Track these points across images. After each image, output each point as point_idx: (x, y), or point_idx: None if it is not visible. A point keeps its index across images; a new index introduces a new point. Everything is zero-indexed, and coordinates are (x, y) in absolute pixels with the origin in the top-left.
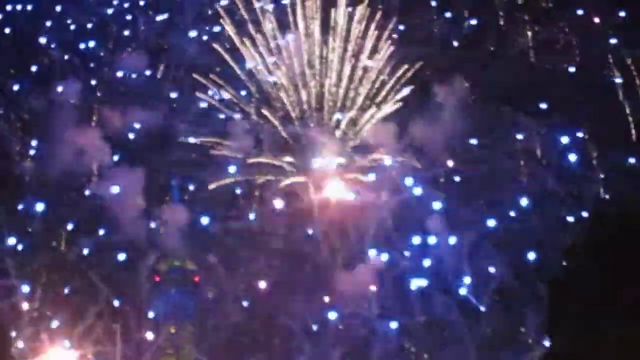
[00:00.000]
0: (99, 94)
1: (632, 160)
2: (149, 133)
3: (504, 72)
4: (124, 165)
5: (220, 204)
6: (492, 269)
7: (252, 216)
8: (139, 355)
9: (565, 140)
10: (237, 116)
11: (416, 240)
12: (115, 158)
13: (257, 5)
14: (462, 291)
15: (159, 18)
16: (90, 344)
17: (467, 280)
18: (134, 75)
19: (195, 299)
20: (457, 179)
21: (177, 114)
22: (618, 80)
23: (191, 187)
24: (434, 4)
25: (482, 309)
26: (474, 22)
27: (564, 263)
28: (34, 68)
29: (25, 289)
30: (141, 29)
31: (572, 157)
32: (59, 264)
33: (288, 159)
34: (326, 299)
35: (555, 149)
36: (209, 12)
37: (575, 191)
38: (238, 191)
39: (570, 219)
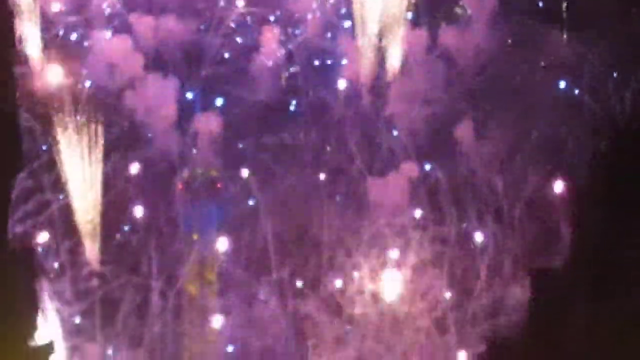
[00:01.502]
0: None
1: None
2: (182, 47)
3: None
4: (156, 77)
5: (254, 120)
6: (525, 179)
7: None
8: (171, 267)
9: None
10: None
11: (449, 150)
12: (147, 70)
13: None
14: (495, 201)
15: None
16: (127, 257)
17: (500, 190)
18: None
19: (220, 206)
20: (488, 88)
21: (210, 28)
22: None
23: (223, 102)
24: None
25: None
26: None
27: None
28: None
29: None
30: None
31: (601, 73)
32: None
33: None
34: (360, 210)
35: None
36: None
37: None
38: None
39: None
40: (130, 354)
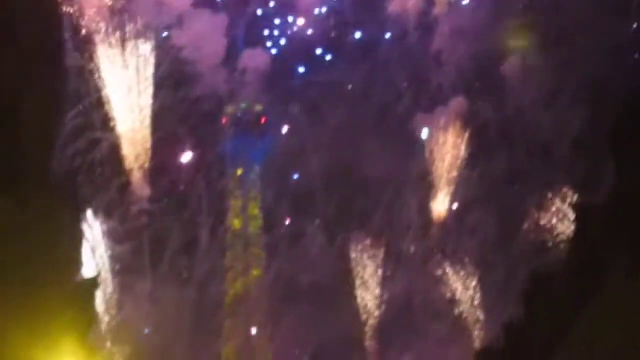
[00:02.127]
0: None
1: None
2: None
3: None
4: (204, 13)
5: (302, 57)
6: (570, 119)
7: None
8: (218, 204)
9: None
10: None
11: (498, 87)
12: (196, 7)
13: None
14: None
15: None
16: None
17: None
18: None
19: (264, 141)
20: (536, 27)
21: None
22: None
23: (271, 39)
24: None
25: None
26: None
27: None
28: None
29: None
30: None
31: None
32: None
33: None
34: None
35: None
36: None
37: None
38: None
39: None
40: (178, 290)
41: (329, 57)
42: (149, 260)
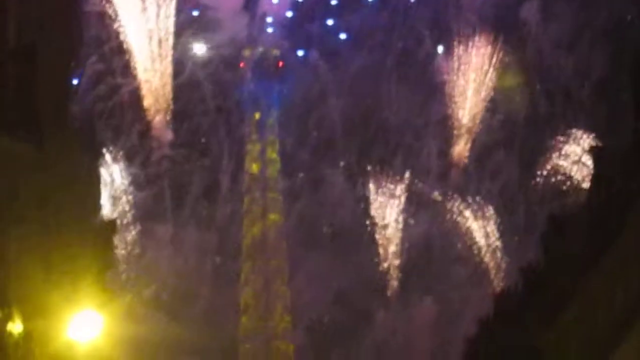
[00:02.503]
0: None
1: None
2: None
3: None
4: None
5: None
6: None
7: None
8: (238, 148)
9: None
10: None
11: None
12: None
13: None
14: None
15: None
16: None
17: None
18: None
19: (282, 85)
20: None
21: None
22: None
23: None
24: None
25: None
26: None
27: None
28: None
29: None
30: None
31: None
32: None
33: None
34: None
35: None
36: None
37: None
38: None
39: None
40: (199, 235)
41: (350, 2)
42: (170, 205)
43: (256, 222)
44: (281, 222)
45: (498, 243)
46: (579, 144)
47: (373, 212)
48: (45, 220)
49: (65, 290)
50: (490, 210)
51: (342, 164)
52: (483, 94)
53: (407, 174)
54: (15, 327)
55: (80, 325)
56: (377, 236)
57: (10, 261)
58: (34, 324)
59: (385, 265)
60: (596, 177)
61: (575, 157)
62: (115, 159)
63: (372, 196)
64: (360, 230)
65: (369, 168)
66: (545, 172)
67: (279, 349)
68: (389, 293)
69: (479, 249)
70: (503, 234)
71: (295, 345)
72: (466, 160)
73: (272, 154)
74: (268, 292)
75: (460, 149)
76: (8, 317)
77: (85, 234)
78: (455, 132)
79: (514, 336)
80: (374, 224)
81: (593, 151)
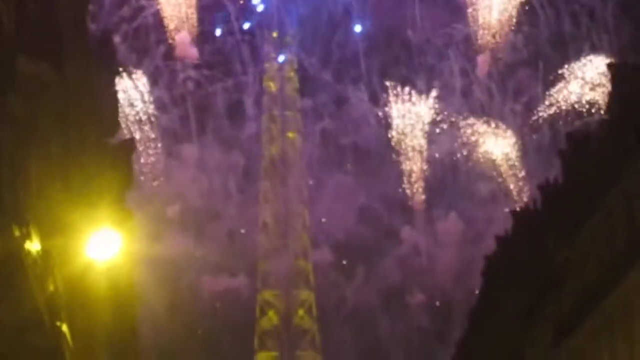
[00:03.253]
0: None
1: None
2: None
3: None
4: None
5: None
6: None
7: None
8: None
9: None
10: None
11: None
12: None
13: None
14: None
15: None
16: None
17: None
18: None
19: (300, 5)
20: None
21: None
22: None
23: None
24: None
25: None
26: None
27: None
28: None
29: None
30: None
31: None
32: None
33: None
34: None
35: None
36: None
37: None
38: None
39: None
40: (223, 155)
41: None
42: (195, 126)
43: (275, 141)
44: (300, 141)
45: (519, 162)
46: (600, 64)
47: (396, 130)
48: (65, 141)
49: (84, 210)
50: (512, 129)
51: (365, 83)
52: (507, 13)
53: (431, 93)
54: (34, 245)
55: (99, 243)
56: (401, 154)
57: (30, 181)
58: (53, 243)
59: (410, 182)
60: (614, 94)
61: (596, 76)
62: (139, 81)
63: (396, 114)
64: (383, 149)
65: (392, 87)
66: (567, 91)
67: (299, 267)
68: (413, 210)
69: (501, 167)
70: (525, 152)
71: (316, 263)
72: (490, 78)
73: (290, 73)
74: (287, 211)
75: (484, 68)
76: (26, 236)
77: (104, 154)
78: (478, 51)
79: (533, 253)
80: (397, 142)
81: (611, 68)
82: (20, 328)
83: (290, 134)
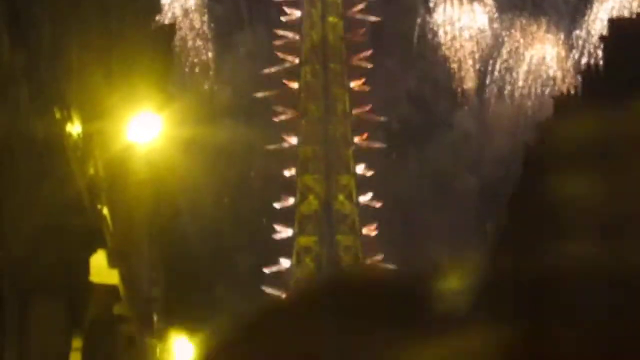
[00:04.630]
0: None
1: None
2: None
3: None
4: None
5: None
6: None
7: None
8: None
9: None
10: None
11: None
12: None
13: None
14: None
15: None
16: None
17: None
18: None
19: None
20: None
21: None
22: None
23: None
24: None
25: None
26: None
27: None
28: None
29: None
30: None
31: None
32: None
33: None
34: None
35: None
36: None
37: None
38: None
39: None
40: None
41: None
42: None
43: (315, 26)
44: (340, 25)
45: (560, 44)
46: None
47: (445, 15)
48: (106, 25)
49: (124, 93)
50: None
51: None
52: None
53: None
54: (75, 128)
55: (139, 127)
56: (450, 39)
57: (71, 65)
58: (93, 126)
59: (460, 66)
60: None
61: None
62: None
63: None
64: (431, 34)
65: None
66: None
67: (339, 152)
68: (464, 94)
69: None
70: (566, 38)
71: (357, 149)
72: None
73: None
74: (327, 95)
75: None
76: (67, 119)
77: (145, 37)
78: None
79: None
80: (447, 27)
81: None
82: (61, 210)
83: (331, 19)
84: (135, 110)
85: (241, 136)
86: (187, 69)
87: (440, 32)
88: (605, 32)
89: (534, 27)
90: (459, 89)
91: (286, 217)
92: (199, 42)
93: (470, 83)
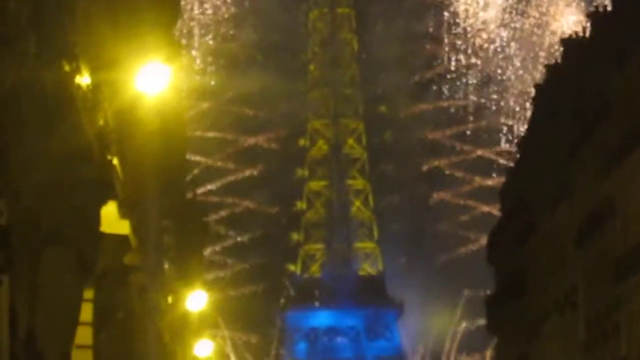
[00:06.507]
0: None
1: None
2: None
3: None
4: None
5: None
6: None
7: None
8: None
9: None
10: None
11: None
12: None
13: None
14: None
15: None
16: None
17: None
18: None
19: None
20: None
21: None
22: None
23: None
24: None
25: None
26: None
27: None
28: None
29: None
30: None
31: None
32: None
33: None
34: None
35: None
36: None
37: None
38: None
39: None
40: None
41: None
42: None
43: None
44: None
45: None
46: None
47: None
48: None
49: (132, 43)
50: None
51: None
52: None
53: None
54: (83, 79)
55: (148, 76)
56: None
57: (78, 17)
58: (102, 76)
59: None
60: None
61: None
62: None
63: None
64: None
65: None
66: None
67: (345, 96)
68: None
69: None
70: None
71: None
72: None
73: None
74: (334, 40)
75: None
76: (76, 71)
77: None
78: None
79: (583, 82)
80: None
81: None
82: (71, 160)
83: None
84: (144, 60)
85: (255, 83)
86: (199, 18)
87: None
88: None
89: None
90: None
91: (299, 160)
92: None
93: None
